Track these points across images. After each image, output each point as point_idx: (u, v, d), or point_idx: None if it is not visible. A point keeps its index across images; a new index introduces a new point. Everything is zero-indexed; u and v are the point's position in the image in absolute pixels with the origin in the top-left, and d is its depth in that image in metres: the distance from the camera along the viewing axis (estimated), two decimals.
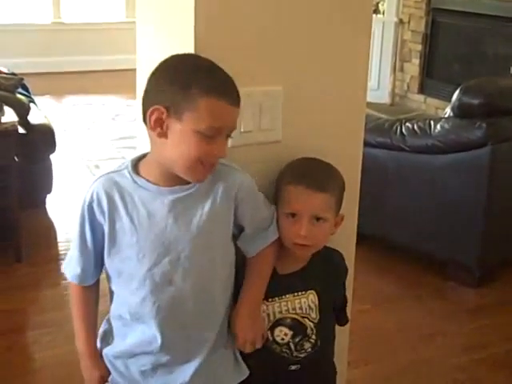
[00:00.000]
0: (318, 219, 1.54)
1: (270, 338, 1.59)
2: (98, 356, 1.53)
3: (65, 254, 1.53)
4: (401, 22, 6.86)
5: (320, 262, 1.62)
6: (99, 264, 1.48)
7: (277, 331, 1.59)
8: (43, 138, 3.85)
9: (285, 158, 1.62)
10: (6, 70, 4.56)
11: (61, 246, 3.66)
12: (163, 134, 1.35)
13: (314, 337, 1.61)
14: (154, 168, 1.41)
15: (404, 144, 3.43)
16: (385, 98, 6.90)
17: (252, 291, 1.53)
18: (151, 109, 1.34)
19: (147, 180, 1.41)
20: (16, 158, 3.40)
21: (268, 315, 1.58)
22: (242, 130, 1.59)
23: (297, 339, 1.60)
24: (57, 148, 4.02)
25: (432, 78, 6.68)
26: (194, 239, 1.40)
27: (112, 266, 1.45)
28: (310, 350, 1.62)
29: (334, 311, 1.69)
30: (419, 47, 6.71)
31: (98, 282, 1.54)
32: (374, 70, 6.89)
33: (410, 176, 3.51)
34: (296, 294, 1.59)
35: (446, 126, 3.31)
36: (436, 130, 3.32)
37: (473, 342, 3.03)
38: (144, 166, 1.44)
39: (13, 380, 2.61)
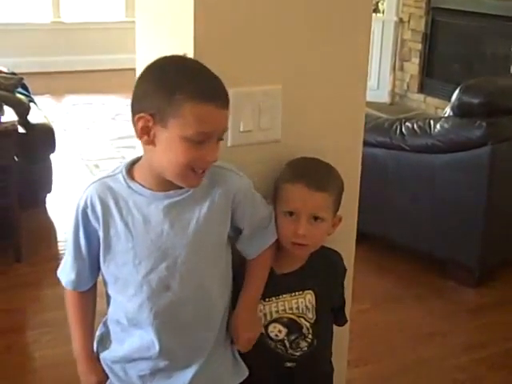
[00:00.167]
0: (316, 219, 1.54)
1: (264, 333, 1.59)
2: (94, 360, 1.52)
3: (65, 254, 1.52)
4: (401, 21, 6.86)
5: (318, 261, 1.62)
6: (95, 269, 1.47)
7: (271, 327, 1.59)
8: (43, 137, 3.85)
9: (284, 157, 1.62)
10: (5, 70, 4.56)
11: (61, 246, 3.66)
12: (151, 142, 1.33)
13: (310, 336, 1.61)
14: (148, 173, 1.39)
15: (404, 143, 3.43)
16: (384, 98, 6.90)
17: (252, 293, 1.53)
18: (137, 116, 1.31)
19: (142, 185, 1.39)
20: (16, 158, 3.40)
21: (265, 315, 1.58)
22: (241, 130, 1.59)
23: (292, 337, 1.60)
24: (56, 147, 4.02)
25: (432, 77, 6.68)
26: (190, 244, 1.38)
27: (108, 271, 1.44)
28: (305, 349, 1.62)
29: (332, 311, 1.69)
30: (419, 46, 6.71)
31: (94, 287, 1.52)
32: (374, 69, 6.89)
33: (409, 175, 3.51)
34: (293, 293, 1.59)
35: (446, 125, 3.31)
36: (436, 130, 3.32)
37: (473, 342, 3.03)
38: (138, 171, 1.41)
39: (13, 379, 2.61)
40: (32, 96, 4.52)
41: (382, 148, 3.51)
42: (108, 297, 1.48)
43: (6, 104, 3.51)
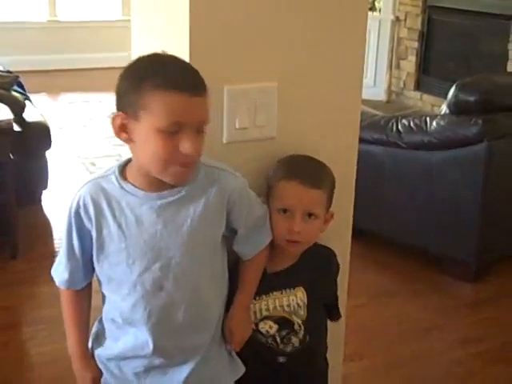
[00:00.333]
0: (310, 215, 1.55)
1: (255, 328, 1.59)
2: (89, 357, 1.52)
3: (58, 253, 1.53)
4: (397, 19, 6.86)
5: (309, 259, 1.62)
6: (89, 269, 1.46)
7: (261, 324, 1.60)
8: (39, 135, 3.85)
9: (280, 154, 1.62)
10: (1, 68, 4.56)
11: (57, 243, 3.66)
12: (129, 139, 1.32)
13: (302, 333, 1.61)
14: (138, 172, 1.38)
15: (400, 141, 3.44)
16: (381, 95, 6.91)
17: (246, 294, 1.54)
18: (112, 116, 1.32)
19: (134, 185, 1.38)
20: (11, 156, 3.40)
21: (255, 312, 1.59)
22: (237, 127, 1.59)
23: (283, 333, 1.60)
24: (52, 145, 4.01)
25: (428, 75, 6.69)
26: (184, 244, 1.37)
27: (101, 271, 1.43)
28: (297, 345, 1.62)
29: (325, 307, 1.69)
30: (415, 45, 6.72)
31: (89, 285, 1.52)
32: (371, 67, 6.91)
33: (406, 172, 3.52)
34: (284, 291, 1.59)
35: (442, 122, 3.32)
36: (432, 127, 3.33)
37: (469, 336, 3.05)
38: (130, 171, 1.40)
39: (10, 375, 2.62)
40: (28, 94, 4.52)
41: (379, 145, 3.52)
42: (103, 295, 1.48)
43: (2, 102, 3.51)
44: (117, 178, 1.39)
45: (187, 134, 1.28)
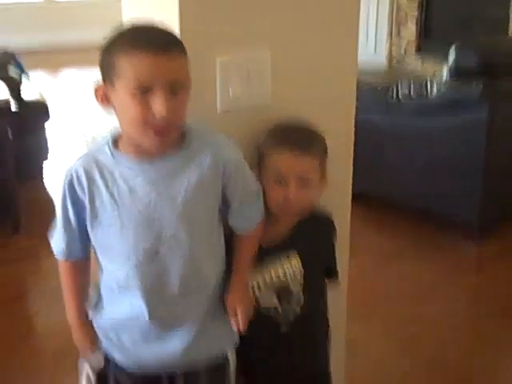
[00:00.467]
0: (304, 182, 1.54)
1: (255, 303, 1.58)
2: (88, 326, 1.53)
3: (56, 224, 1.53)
4: None
5: (305, 225, 1.61)
6: (86, 239, 1.46)
7: (261, 297, 1.59)
8: (36, 111, 3.85)
9: (273, 122, 1.60)
10: None
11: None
12: (111, 108, 1.33)
13: (301, 299, 1.61)
14: (127, 142, 1.37)
15: (400, 106, 3.41)
16: (382, 62, 6.84)
17: (242, 269, 1.52)
18: (94, 88, 1.33)
19: (127, 155, 1.37)
20: (10, 134, 3.40)
21: (253, 287, 1.58)
22: (230, 96, 1.57)
23: (284, 302, 1.60)
24: (52, 120, 4.01)
25: (429, 40, 6.62)
26: (178, 214, 1.36)
27: (96, 241, 1.44)
28: (298, 310, 1.62)
29: (323, 272, 1.69)
30: (416, 9, 6.63)
31: (87, 256, 1.51)
32: (371, 33, 6.83)
33: (407, 138, 3.50)
34: (279, 260, 1.59)
35: (443, 87, 3.29)
36: (432, 92, 3.30)
37: (473, 296, 3.06)
38: (121, 141, 1.40)
39: (15, 348, 2.63)
40: (26, 71, 4.49)
41: (378, 112, 3.49)
42: (100, 265, 1.48)
43: None
44: (110, 148, 1.39)
45: (157, 95, 1.26)
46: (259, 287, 1.59)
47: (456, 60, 3.22)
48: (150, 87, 1.26)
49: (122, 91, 1.28)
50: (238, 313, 1.50)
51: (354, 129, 1.83)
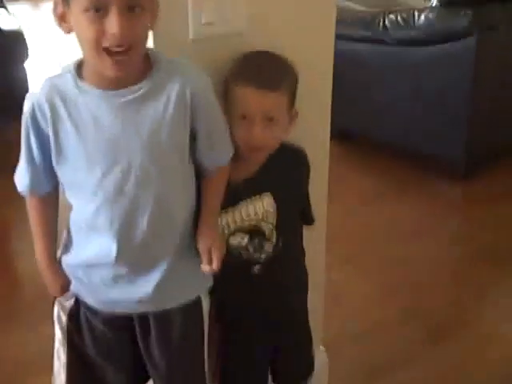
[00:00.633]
0: (271, 119, 1.46)
1: (225, 244, 1.53)
2: (57, 265, 1.49)
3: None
4: None
5: (275, 162, 1.54)
6: (50, 173, 1.40)
7: (231, 238, 1.55)
8: (14, 43, 3.74)
9: (248, 50, 1.52)
10: None
11: None
12: (69, 28, 1.26)
13: (274, 238, 1.56)
14: (91, 69, 1.30)
15: (387, 37, 3.34)
16: None
17: (210, 209, 1.47)
18: (53, 6, 1.26)
19: (91, 83, 1.30)
20: None
21: (223, 228, 1.52)
22: (202, 22, 1.49)
23: (255, 241, 1.55)
24: (33, 54, 3.90)
25: None
26: (145, 146, 1.30)
27: (62, 176, 1.38)
28: (270, 251, 1.57)
29: (297, 213, 1.64)
30: None
31: (54, 192, 1.46)
32: None
33: (393, 70, 3.43)
34: (249, 199, 1.53)
35: (431, 15, 3.21)
36: (420, 21, 3.23)
37: (458, 236, 3.05)
38: (85, 68, 1.32)
39: None
40: (4, 2, 4.35)
41: (365, 42, 3.42)
42: (68, 202, 1.43)
43: None
44: (72, 76, 1.32)
45: (112, 13, 1.19)
46: (229, 227, 1.54)
47: None
48: (105, 5, 1.18)
49: (76, 9, 1.21)
50: (212, 251, 1.45)
51: (333, 61, 1.76)
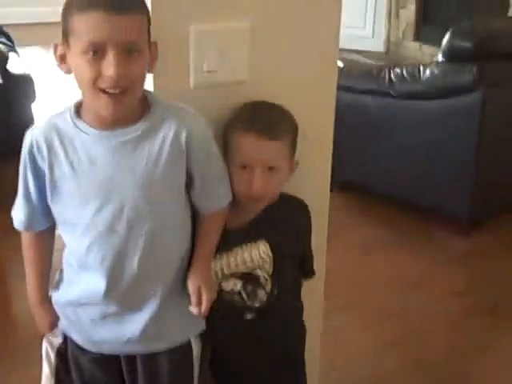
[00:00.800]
0: (271, 169, 1.46)
1: (218, 288, 1.51)
2: (48, 303, 1.50)
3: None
4: None
5: (273, 210, 1.53)
6: (47, 211, 1.41)
7: (225, 283, 1.53)
8: (22, 87, 3.77)
9: (250, 99, 1.53)
10: None
11: None
12: (68, 69, 1.29)
13: (269, 286, 1.54)
14: (88, 109, 1.33)
15: (392, 90, 3.35)
16: (379, 47, 6.75)
17: (204, 252, 1.46)
18: (53, 45, 1.29)
19: (88, 123, 1.32)
20: None
21: (216, 272, 1.51)
22: (205, 69, 1.50)
23: (249, 288, 1.53)
24: (42, 97, 3.92)
25: (428, 24, 6.52)
26: (139, 187, 1.31)
27: (57, 213, 1.40)
28: (265, 299, 1.55)
29: (296, 262, 1.61)
30: None
31: (51, 229, 1.47)
32: (369, 17, 6.74)
33: (398, 123, 3.43)
34: (245, 245, 1.51)
35: (436, 70, 3.22)
36: (425, 75, 3.24)
37: (460, 289, 3.01)
38: (83, 109, 1.35)
39: None
40: (15, 46, 4.41)
41: (370, 95, 3.43)
42: (62, 239, 1.44)
43: None
44: (71, 116, 1.34)
45: (109, 56, 1.21)
46: (223, 272, 1.52)
47: (450, 42, 3.14)
48: (103, 48, 1.21)
49: (75, 52, 1.23)
50: (202, 292, 1.44)
51: (334, 112, 1.76)
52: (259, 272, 1.53)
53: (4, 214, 3.39)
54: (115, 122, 1.30)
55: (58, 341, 1.51)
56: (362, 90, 3.42)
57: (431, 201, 3.45)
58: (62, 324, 1.49)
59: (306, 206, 1.61)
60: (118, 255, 1.35)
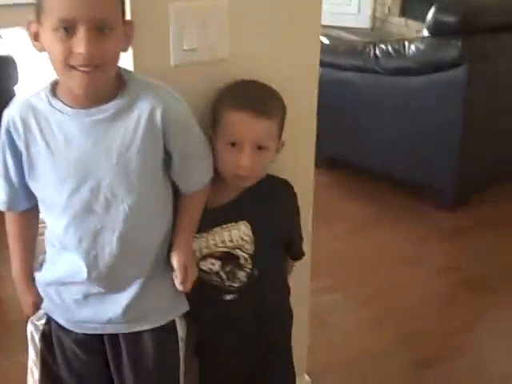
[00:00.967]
0: (260, 148, 1.44)
1: (197, 268, 1.50)
2: (32, 283, 1.49)
3: None
4: None
5: (255, 190, 1.51)
6: (29, 190, 1.39)
7: (202, 262, 1.51)
8: (5, 70, 3.72)
9: (232, 78, 1.51)
10: None
11: None
12: (41, 47, 1.27)
13: (248, 266, 1.52)
14: (63, 88, 1.31)
15: (378, 66, 3.34)
16: (365, 23, 6.72)
17: (184, 230, 1.44)
18: (27, 24, 1.27)
19: (63, 102, 1.31)
20: None
21: (194, 252, 1.49)
22: (184, 48, 1.48)
23: (228, 268, 1.52)
24: (26, 79, 3.88)
25: (414, 1, 6.49)
26: (114, 166, 1.30)
27: (36, 193, 1.38)
28: (245, 279, 1.53)
29: (280, 243, 1.60)
30: None
31: (34, 208, 1.45)
32: None
33: (383, 99, 3.42)
34: (225, 225, 1.49)
35: (421, 46, 3.20)
36: (410, 51, 3.22)
37: (448, 265, 3.02)
38: (59, 87, 1.33)
39: None
40: None
41: (355, 72, 3.41)
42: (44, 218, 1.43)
43: None
44: (46, 95, 1.33)
45: (80, 33, 1.20)
46: (201, 251, 1.50)
47: (434, 17, 3.12)
48: (73, 25, 1.19)
49: (47, 28, 1.22)
50: (188, 269, 1.43)
51: (317, 88, 1.74)
52: (239, 252, 1.51)
53: None
54: (90, 100, 1.29)
55: (41, 323, 1.50)
56: (348, 66, 3.40)
57: (417, 177, 3.45)
58: (45, 305, 1.48)
59: (291, 186, 1.59)
60: (95, 235, 1.34)
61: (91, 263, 1.35)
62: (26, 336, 1.54)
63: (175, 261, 1.43)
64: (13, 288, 1.55)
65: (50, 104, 1.31)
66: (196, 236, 1.48)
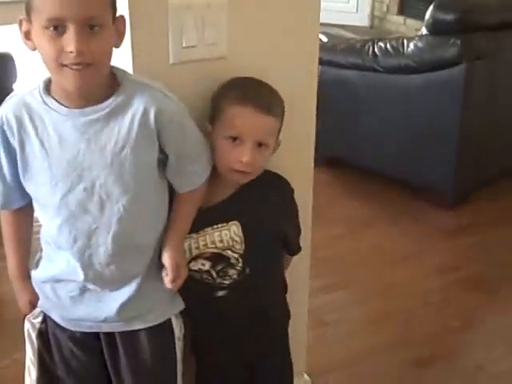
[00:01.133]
0: (260, 145, 1.43)
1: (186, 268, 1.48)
2: (28, 279, 1.49)
3: None
4: None
5: (250, 188, 1.50)
6: (23, 189, 1.38)
7: (192, 263, 1.50)
8: (3, 67, 3.71)
9: (231, 75, 1.50)
10: None
11: None
12: (33, 46, 1.26)
13: (240, 265, 1.51)
14: (56, 87, 1.30)
15: (376, 64, 3.33)
16: (364, 21, 6.71)
17: (176, 230, 1.43)
18: (19, 20, 1.25)
19: (58, 101, 1.30)
20: None
21: (184, 252, 1.48)
22: (183, 45, 1.48)
23: (218, 267, 1.51)
24: (23, 77, 3.87)
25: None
26: (108, 166, 1.29)
27: (30, 192, 1.38)
28: (235, 276, 1.52)
29: (275, 241, 1.59)
30: None
31: (29, 205, 1.43)
32: None
33: (382, 97, 3.41)
34: (216, 226, 1.48)
35: (420, 44, 3.20)
36: (409, 49, 3.22)
37: (446, 264, 3.01)
38: (52, 86, 1.32)
39: None
40: None
41: (354, 69, 3.40)
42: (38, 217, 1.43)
43: None
44: (40, 93, 1.32)
45: (69, 31, 1.19)
46: (191, 252, 1.49)
47: (433, 15, 3.12)
48: (63, 23, 1.18)
49: (37, 26, 1.21)
50: (181, 268, 1.43)
51: (316, 86, 1.74)
52: (229, 253, 1.50)
53: None
54: (83, 98, 1.28)
55: (38, 321, 1.49)
56: (346, 64, 3.39)
57: (416, 175, 3.44)
58: (42, 303, 1.48)
59: (286, 182, 1.58)
60: (90, 235, 1.33)
61: (86, 263, 1.35)
62: (24, 334, 1.54)
63: (167, 258, 1.41)
64: (9, 286, 1.55)
65: (45, 103, 1.30)
66: (186, 236, 1.47)
